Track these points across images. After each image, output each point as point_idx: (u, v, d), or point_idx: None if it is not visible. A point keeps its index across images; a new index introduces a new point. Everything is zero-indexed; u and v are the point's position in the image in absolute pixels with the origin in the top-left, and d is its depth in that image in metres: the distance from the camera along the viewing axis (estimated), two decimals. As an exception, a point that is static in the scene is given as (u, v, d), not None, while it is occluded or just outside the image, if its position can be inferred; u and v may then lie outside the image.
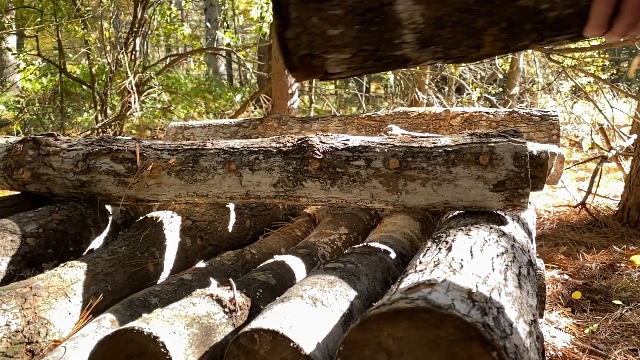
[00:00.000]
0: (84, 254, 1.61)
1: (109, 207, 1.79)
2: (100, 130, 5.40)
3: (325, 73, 0.79)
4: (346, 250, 1.52)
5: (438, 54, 0.75)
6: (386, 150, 1.38)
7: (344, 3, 0.71)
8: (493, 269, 0.93)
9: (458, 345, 0.69)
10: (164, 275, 1.57)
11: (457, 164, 1.31)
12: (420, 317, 0.70)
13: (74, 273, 1.31)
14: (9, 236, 1.44)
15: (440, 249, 1.06)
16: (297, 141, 1.48)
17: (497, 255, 1.02)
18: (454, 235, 1.13)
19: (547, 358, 1.71)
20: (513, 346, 0.70)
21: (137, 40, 5.58)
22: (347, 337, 0.75)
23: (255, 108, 6.60)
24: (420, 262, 1.00)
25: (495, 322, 0.72)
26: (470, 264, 0.93)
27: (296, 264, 1.49)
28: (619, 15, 0.66)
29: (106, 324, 1.13)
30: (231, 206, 1.98)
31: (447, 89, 7.79)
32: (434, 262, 0.96)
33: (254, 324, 0.92)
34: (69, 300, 1.24)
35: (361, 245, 1.53)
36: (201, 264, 1.57)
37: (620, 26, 0.67)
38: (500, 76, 7.88)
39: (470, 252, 1.01)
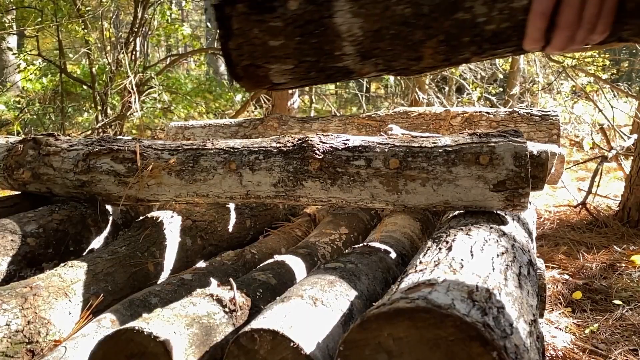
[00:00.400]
0: (84, 254, 1.61)
1: (109, 207, 1.79)
2: (100, 130, 5.41)
3: (272, 83, 0.80)
4: (346, 250, 1.52)
5: (380, 66, 0.76)
6: (386, 150, 1.38)
7: (284, 15, 0.72)
8: (493, 269, 0.93)
9: (458, 345, 0.69)
10: (164, 275, 1.57)
11: (457, 163, 1.31)
12: (420, 317, 0.70)
13: (74, 273, 1.31)
14: (9, 236, 1.44)
15: (440, 248, 1.06)
16: (297, 141, 1.48)
17: (498, 255, 1.02)
18: (454, 235, 1.13)
19: (547, 358, 1.71)
20: (513, 346, 0.70)
21: (138, 40, 5.58)
22: (347, 337, 0.75)
23: (256, 108, 6.60)
24: (421, 262, 0.99)
25: (496, 322, 0.72)
26: (471, 263, 0.93)
27: (296, 264, 1.49)
28: (555, 28, 0.65)
29: (106, 323, 1.13)
30: (231, 206, 1.98)
31: (447, 88, 7.79)
32: (434, 262, 0.96)
33: (254, 324, 0.92)
34: (69, 300, 1.24)
35: (361, 245, 1.53)
36: (201, 264, 1.57)
37: (559, 39, 0.66)
38: (501, 76, 7.88)
39: (471, 252, 1.00)
